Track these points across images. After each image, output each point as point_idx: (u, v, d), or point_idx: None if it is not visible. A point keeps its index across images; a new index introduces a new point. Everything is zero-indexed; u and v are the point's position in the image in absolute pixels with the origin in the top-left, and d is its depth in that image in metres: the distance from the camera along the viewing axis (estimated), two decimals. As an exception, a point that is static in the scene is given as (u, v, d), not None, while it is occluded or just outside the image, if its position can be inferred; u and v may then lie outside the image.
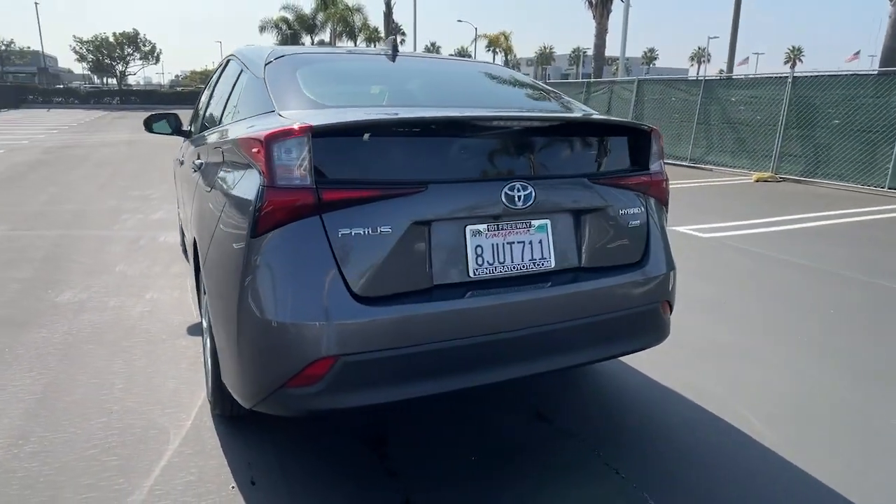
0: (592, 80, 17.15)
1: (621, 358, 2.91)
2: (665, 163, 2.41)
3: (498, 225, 1.98)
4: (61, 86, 56.95)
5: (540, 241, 2.04)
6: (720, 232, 6.18)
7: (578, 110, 2.66)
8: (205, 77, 59.58)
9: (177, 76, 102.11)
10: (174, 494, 2.05)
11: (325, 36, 39.44)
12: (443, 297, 1.88)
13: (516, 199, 1.96)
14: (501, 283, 1.98)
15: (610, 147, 2.27)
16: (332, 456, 2.30)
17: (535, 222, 2.04)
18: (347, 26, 34.20)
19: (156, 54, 62.40)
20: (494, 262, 1.97)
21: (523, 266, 2.01)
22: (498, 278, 1.98)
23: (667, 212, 2.41)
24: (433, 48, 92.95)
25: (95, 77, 72.89)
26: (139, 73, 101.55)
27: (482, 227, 1.95)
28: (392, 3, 34.48)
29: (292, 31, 41.88)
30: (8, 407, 2.58)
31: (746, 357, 3.20)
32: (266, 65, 2.47)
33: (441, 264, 1.90)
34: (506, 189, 1.95)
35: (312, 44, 41.09)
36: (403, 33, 43.87)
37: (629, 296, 2.20)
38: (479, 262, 1.95)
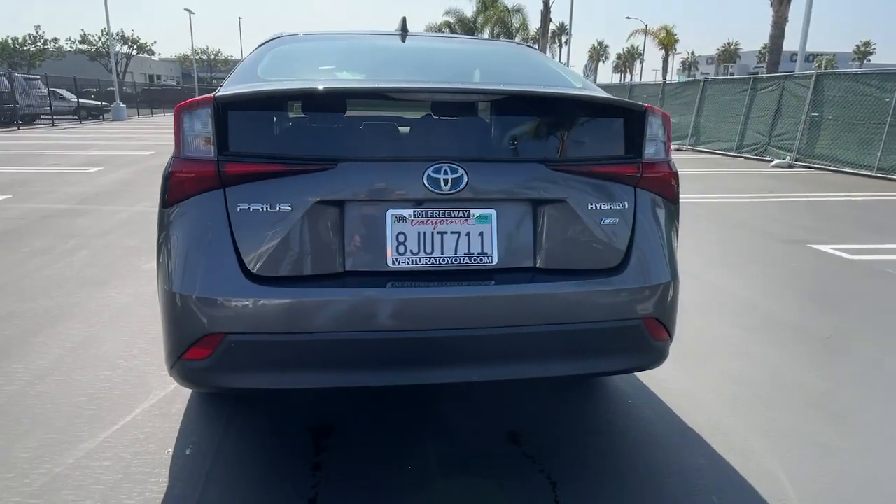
0: (759, 76, 15.20)
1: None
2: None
3: (426, 212, 1.78)
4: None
5: (480, 234, 1.80)
6: (877, 254, 5.06)
7: (571, 89, 2.21)
8: None
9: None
10: (118, 448, 2.18)
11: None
12: (352, 284, 1.75)
13: (442, 182, 1.75)
14: (427, 276, 1.79)
15: (586, 129, 1.95)
16: (274, 439, 2.28)
17: (477, 212, 1.79)
18: (505, 27, 34.50)
19: None
20: (420, 252, 1.78)
21: (457, 260, 1.79)
22: (423, 271, 1.79)
23: (676, 210, 2.00)
24: (600, 48, 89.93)
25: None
26: None
27: (407, 212, 1.77)
28: (550, 1, 33.88)
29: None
30: (49, 352, 2.96)
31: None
32: (260, 45, 2.52)
33: (355, 250, 1.77)
34: (429, 171, 1.74)
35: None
36: (568, 33, 42.98)
37: (599, 307, 1.85)
38: (401, 251, 1.77)
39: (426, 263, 1.78)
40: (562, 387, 2.61)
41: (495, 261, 1.80)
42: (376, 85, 1.95)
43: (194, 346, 1.76)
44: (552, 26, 41.45)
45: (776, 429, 2.30)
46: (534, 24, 39.47)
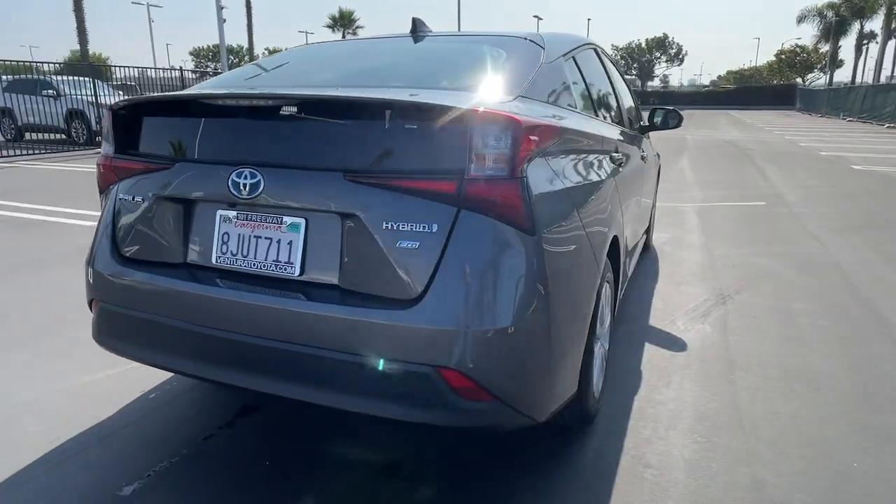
0: None
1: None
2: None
3: (247, 215, 1.78)
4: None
5: (290, 243, 1.72)
6: None
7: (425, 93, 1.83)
8: (743, 77, 64.29)
9: (716, 77, 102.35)
10: (118, 380, 2.49)
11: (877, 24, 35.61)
12: (182, 276, 1.85)
13: (241, 186, 1.72)
14: (239, 278, 1.78)
15: (405, 137, 1.64)
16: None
17: (288, 220, 1.72)
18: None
19: (681, 56, 67.97)
20: (238, 253, 1.78)
21: (265, 265, 1.74)
22: (237, 272, 1.79)
23: (534, 241, 1.58)
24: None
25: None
26: (667, 75, 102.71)
27: (232, 213, 1.80)
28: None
29: (839, 17, 38.46)
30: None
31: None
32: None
33: (194, 244, 1.88)
34: (233, 175, 1.73)
35: (861, 31, 36.44)
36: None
37: (384, 343, 1.58)
38: (224, 249, 1.81)
39: (241, 265, 1.78)
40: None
41: (297, 272, 1.70)
42: (208, 91, 2.09)
43: (90, 305, 2.07)
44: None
45: None
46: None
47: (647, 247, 4.77)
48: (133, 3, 48.21)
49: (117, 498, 1.88)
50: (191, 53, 73.61)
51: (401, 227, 1.57)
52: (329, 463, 2.08)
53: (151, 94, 2.15)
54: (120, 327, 1.98)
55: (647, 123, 4.06)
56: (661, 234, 5.45)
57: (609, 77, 3.10)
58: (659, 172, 5.03)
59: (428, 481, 1.99)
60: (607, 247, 2.10)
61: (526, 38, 2.28)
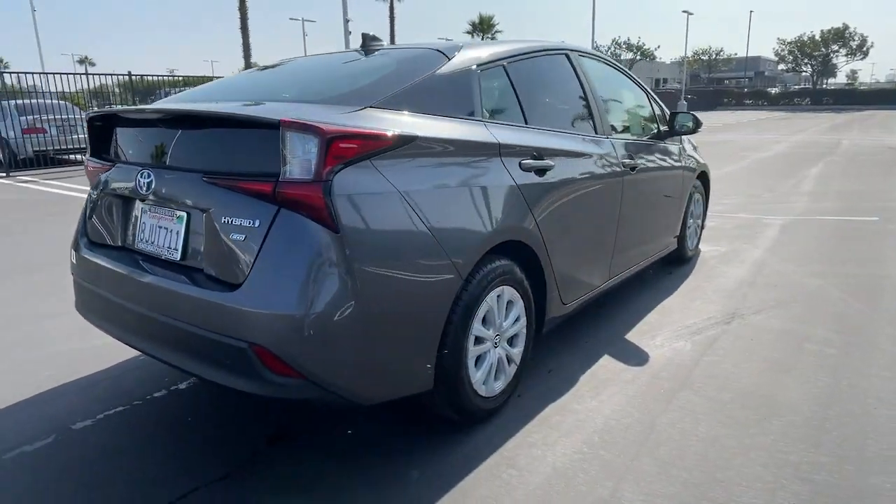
0: None
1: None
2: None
3: (152, 207, 2.13)
4: (774, 89, 57.38)
5: (177, 232, 2.02)
6: None
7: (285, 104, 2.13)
8: None
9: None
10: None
11: None
12: (117, 257, 2.23)
13: (142, 185, 2.09)
14: (152, 260, 2.12)
15: (239, 144, 1.92)
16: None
17: (177, 213, 2.03)
18: None
19: (865, 48, 60.26)
20: (148, 238, 2.15)
21: (161, 250, 2.08)
22: (151, 255, 2.13)
23: (337, 238, 1.73)
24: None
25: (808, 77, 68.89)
26: (856, 71, 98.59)
27: (146, 206, 2.17)
28: None
29: None
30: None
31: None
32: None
33: (127, 231, 2.27)
34: (138, 175, 2.11)
35: None
36: None
37: (218, 320, 1.81)
38: (142, 236, 2.18)
39: (151, 249, 2.12)
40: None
41: (179, 257, 2.01)
42: (123, 107, 2.51)
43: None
44: None
45: None
46: None
47: (684, 258, 4.49)
48: (290, 19, 53.38)
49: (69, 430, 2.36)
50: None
51: (234, 221, 1.82)
52: (234, 428, 2.38)
53: (98, 109, 2.65)
54: (87, 300, 2.43)
55: (666, 129, 3.87)
56: (717, 246, 5.05)
57: (582, 83, 3.04)
58: (706, 182, 4.70)
59: (317, 449, 2.21)
60: (479, 253, 2.12)
61: (435, 50, 2.39)
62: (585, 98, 3.05)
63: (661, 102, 4.02)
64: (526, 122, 2.56)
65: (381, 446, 2.22)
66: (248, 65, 31.67)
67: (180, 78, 16.54)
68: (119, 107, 2.94)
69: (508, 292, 2.33)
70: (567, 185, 2.65)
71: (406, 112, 2.04)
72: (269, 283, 1.75)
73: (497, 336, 2.32)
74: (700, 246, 5.01)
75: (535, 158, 2.46)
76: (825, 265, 4.45)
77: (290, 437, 2.30)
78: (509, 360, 2.43)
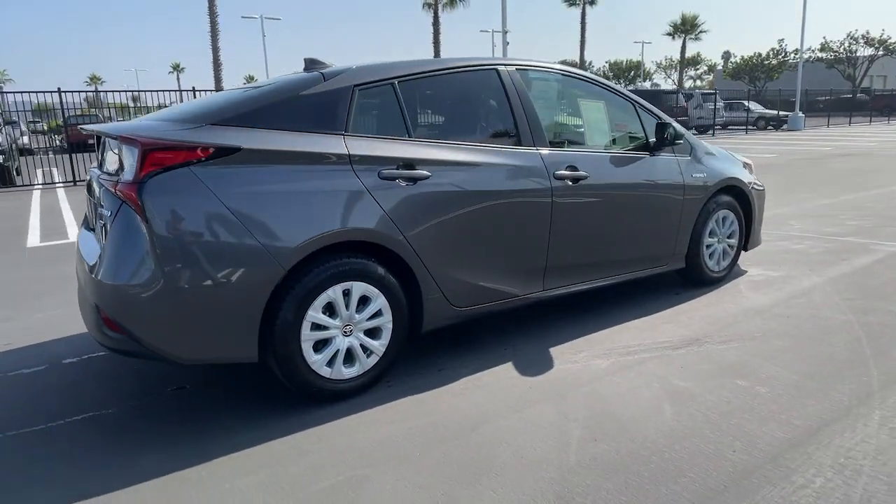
0: None
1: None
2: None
3: (97, 201, 2.65)
4: None
5: (102, 223, 2.53)
6: None
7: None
8: None
9: None
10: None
11: None
12: (84, 237, 2.89)
13: (93, 185, 2.74)
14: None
15: (118, 153, 2.44)
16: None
17: (100, 208, 2.58)
18: None
19: None
20: (97, 228, 2.69)
21: (99, 232, 2.61)
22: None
23: (149, 228, 2.22)
24: None
25: None
26: None
27: (95, 200, 2.75)
28: None
29: None
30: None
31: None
32: None
33: (93, 218, 2.88)
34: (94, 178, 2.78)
35: None
36: None
37: (93, 287, 2.39)
38: (97, 225, 2.70)
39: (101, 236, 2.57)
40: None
41: (103, 241, 2.48)
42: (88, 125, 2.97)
43: None
44: None
45: None
46: None
47: (704, 280, 4.10)
48: (480, 31, 54.62)
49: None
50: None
51: (104, 212, 2.44)
52: (156, 384, 3.00)
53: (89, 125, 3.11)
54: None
55: (655, 141, 3.65)
56: (772, 270, 4.49)
57: (509, 97, 3.09)
58: (743, 200, 4.25)
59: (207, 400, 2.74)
60: (306, 249, 2.41)
61: (320, 73, 2.71)
62: (511, 111, 3.11)
63: (660, 115, 3.79)
64: (409, 136, 2.78)
65: (245, 410, 2.66)
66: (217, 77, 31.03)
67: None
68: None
69: (361, 287, 2.59)
70: (453, 194, 2.80)
71: (256, 127, 2.45)
72: (107, 260, 2.32)
73: (348, 326, 2.60)
74: (754, 269, 4.52)
75: (404, 168, 2.68)
76: (887, 303, 3.73)
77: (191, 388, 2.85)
78: (367, 351, 2.68)
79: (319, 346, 2.57)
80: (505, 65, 3.19)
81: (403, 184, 2.67)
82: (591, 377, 2.82)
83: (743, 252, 4.42)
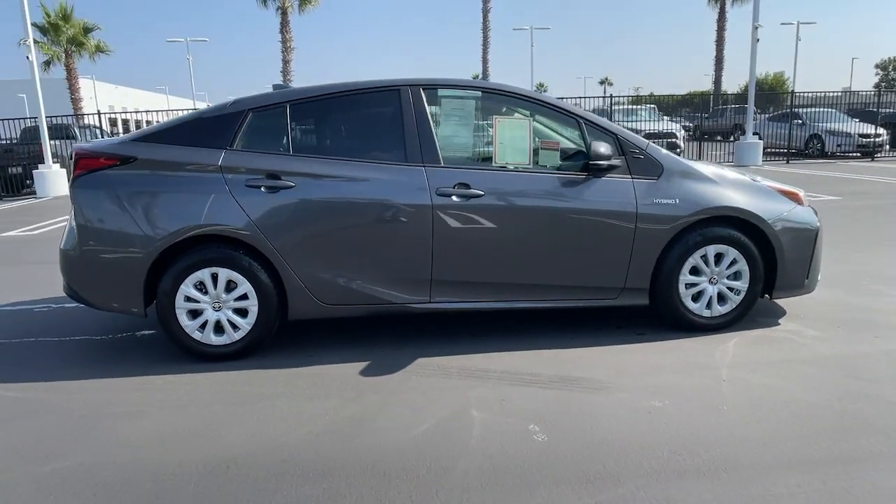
0: None
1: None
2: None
3: None
4: None
5: None
6: None
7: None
8: None
9: None
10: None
11: None
12: None
13: None
14: None
15: None
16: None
17: None
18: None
19: None
20: None
21: None
22: None
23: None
24: None
25: None
26: None
27: None
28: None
29: None
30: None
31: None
32: None
33: None
34: None
35: None
36: None
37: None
38: None
39: None
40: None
41: None
42: None
43: None
44: None
45: None
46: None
47: (681, 323, 3.48)
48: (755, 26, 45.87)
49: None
50: (876, 66, 69.69)
51: None
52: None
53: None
54: None
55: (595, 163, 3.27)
56: (800, 326, 3.48)
57: (404, 117, 3.26)
58: (757, 236, 3.46)
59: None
60: (174, 237, 3.10)
61: (232, 99, 3.32)
62: (402, 129, 3.27)
63: (615, 131, 3.38)
64: (289, 152, 3.25)
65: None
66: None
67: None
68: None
69: (226, 273, 3.20)
70: (318, 202, 3.18)
71: (161, 143, 3.24)
72: (64, 234, 3.39)
73: (216, 303, 3.24)
74: (792, 324, 3.63)
75: (267, 178, 3.17)
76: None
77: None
78: (234, 326, 3.28)
79: (194, 315, 3.27)
80: (411, 85, 3.34)
81: (265, 191, 3.17)
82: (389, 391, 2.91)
83: (777, 300, 3.56)
